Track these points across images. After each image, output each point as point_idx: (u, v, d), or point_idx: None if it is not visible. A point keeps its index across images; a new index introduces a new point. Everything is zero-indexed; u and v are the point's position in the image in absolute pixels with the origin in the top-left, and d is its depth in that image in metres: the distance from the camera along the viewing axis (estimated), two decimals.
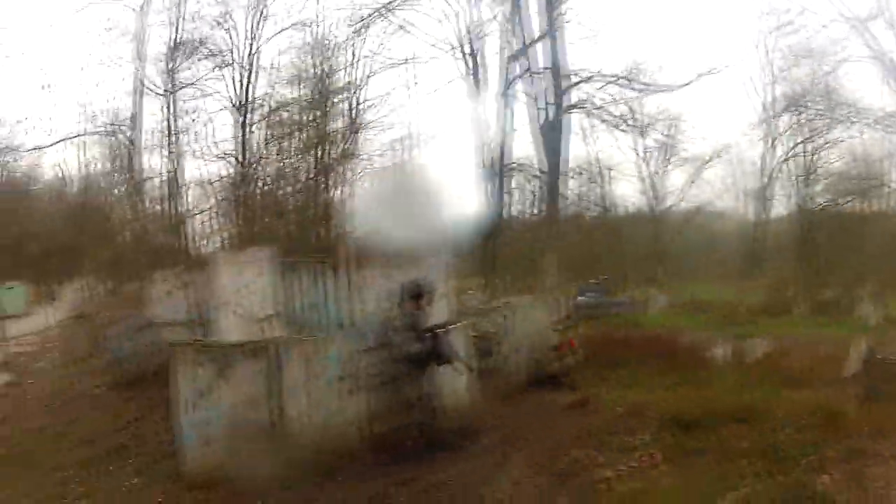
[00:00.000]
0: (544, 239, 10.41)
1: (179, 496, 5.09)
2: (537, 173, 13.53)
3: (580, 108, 13.65)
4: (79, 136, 11.07)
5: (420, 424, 5.49)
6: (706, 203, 19.59)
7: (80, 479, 5.86)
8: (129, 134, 12.24)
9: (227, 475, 4.88)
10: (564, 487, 4.45)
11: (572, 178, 12.75)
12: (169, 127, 12.82)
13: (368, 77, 14.70)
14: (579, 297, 12.04)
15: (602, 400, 6.64)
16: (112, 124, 13.01)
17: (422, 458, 5.20)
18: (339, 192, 17.30)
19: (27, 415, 8.47)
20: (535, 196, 13.41)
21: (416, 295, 5.59)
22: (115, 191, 16.62)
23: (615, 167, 15.01)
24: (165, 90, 11.21)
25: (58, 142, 10.41)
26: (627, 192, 15.31)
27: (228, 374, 5.16)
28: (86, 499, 5.35)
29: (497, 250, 11.75)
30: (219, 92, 15.71)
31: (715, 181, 16.07)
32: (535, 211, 14.40)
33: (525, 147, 13.65)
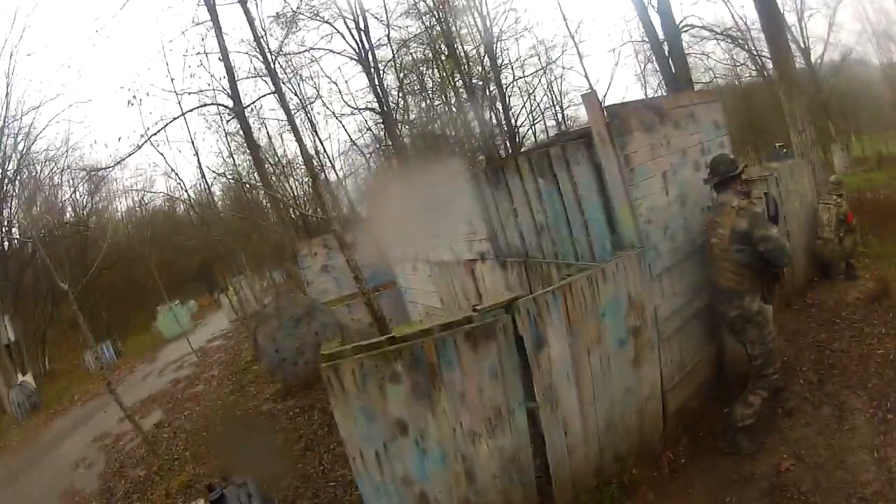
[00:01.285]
0: (785, 92, 8.22)
1: None
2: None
3: None
4: (181, 116, 10.57)
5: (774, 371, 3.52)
6: (847, 51, 16.86)
7: None
8: (233, 107, 11.81)
9: None
10: None
11: None
12: (277, 93, 12.28)
13: None
14: None
15: None
16: (210, 90, 12.52)
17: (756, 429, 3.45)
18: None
19: (171, 466, 6.08)
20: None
21: (732, 172, 3.52)
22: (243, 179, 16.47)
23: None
24: (274, 57, 10.65)
25: (162, 128, 9.87)
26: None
27: (434, 387, 2.88)
28: None
29: None
30: (334, 51, 15.83)
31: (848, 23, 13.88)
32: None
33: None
